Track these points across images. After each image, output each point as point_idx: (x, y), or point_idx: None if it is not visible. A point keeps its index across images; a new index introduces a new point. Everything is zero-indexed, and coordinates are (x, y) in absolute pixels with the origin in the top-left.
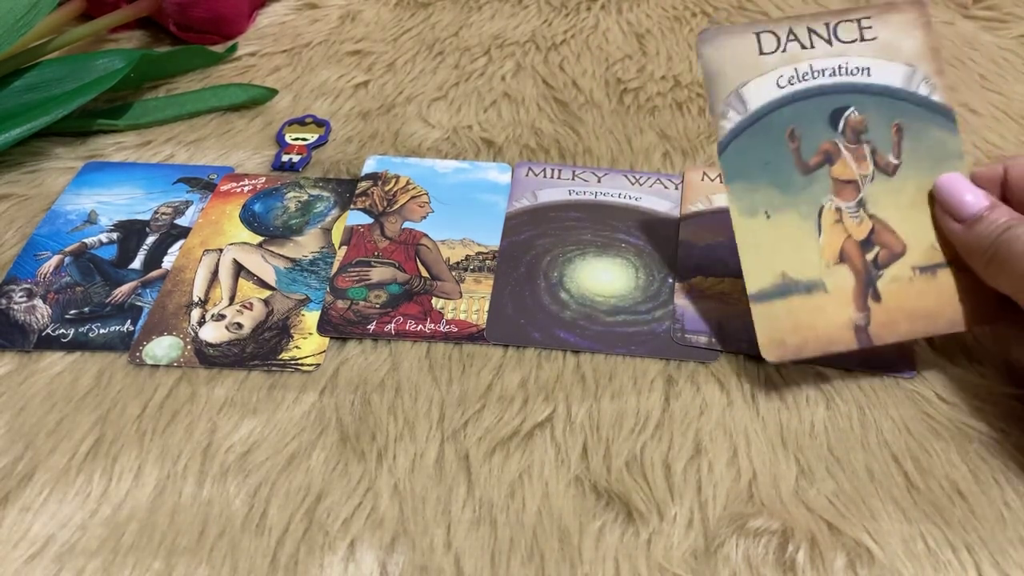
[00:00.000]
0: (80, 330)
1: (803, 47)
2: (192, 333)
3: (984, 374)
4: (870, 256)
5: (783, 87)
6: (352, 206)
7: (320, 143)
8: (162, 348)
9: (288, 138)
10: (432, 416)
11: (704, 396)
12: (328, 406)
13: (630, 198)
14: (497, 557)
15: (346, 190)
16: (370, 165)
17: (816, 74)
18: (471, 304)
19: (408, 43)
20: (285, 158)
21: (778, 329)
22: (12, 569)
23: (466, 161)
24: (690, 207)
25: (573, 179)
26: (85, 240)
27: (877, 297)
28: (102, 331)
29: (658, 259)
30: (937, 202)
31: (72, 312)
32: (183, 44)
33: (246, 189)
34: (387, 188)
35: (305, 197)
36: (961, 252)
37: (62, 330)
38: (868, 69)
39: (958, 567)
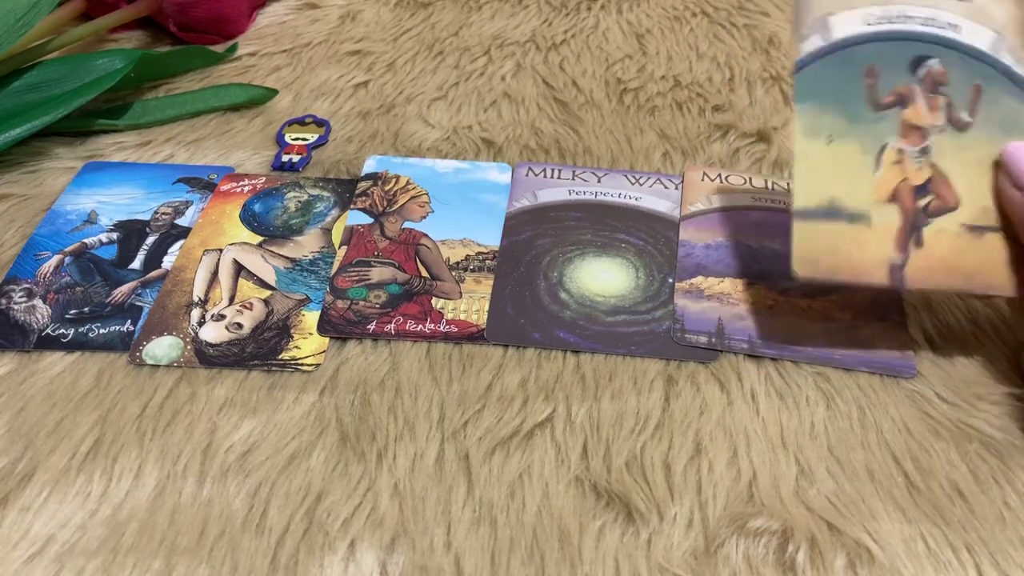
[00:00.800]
0: (80, 330)
1: None
2: (192, 333)
3: (984, 374)
4: (922, 202)
5: (870, 24)
6: (352, 206)
7: (320, 143)
8: (162, 348)
9: (288, 138)
10: (432, 416)
11: (704, 396)
12: (328, 406)
13: (630, 198)
14: (497, 557)
15: (346, 190)
16: (370, 165)
17: (905, 20)
18: (471, 304)
19: (408, 43)
20: (285, 158)
21: (814, 249)
22: (12, 569)
23: (466, 161)
24: (690, 207)
25: (573, 179)
26: (85, 240)
27: (920, 242)
28: (102, 331)
29: (658, 259)
30: (1002, 167)
31: (72, 312)
32: (183, 44)
33: (246, 189)
34: (387, 188)
35: (305, 197)
36: (1015, 220)
37: (62, 330)
38: (958, 26)
39: (958, 567)
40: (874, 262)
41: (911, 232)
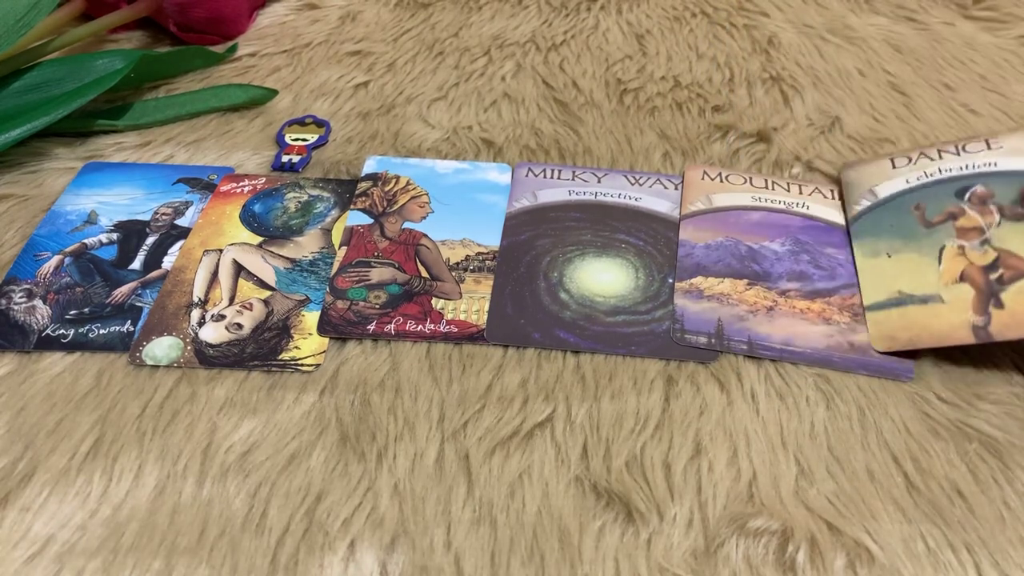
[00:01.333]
0: (80, 330)
1: (931, 160)
2: (192, 333)
3: (984, 374)
4: (994, 276)
5: (911, 183)
6: (352, 206)
7: (320, 143)
8: (162, 348)
9: (288, 138)
10: (432, 416)
11: (704, 396)
12: (328, 406)
13: (630, 198)
14: (497, 557)
15: (346, 190)
16: (370, 165)
17: (943, 172)
18: (471, 304)
19: (408, 43)
20: (285, 158)
21: (891, 328)
22: (12, 569)
23: (466, 161)
24: (690, 207)
25: (573, 179)
26: (85, 240)
27: (1000, 305)
28: (102, 331)
29: (658, 259)
30: None
31: (72, 312)
32: (183, 44)
33: (246, 189)
34: (387, 188)
35: (305, 197)
36: None
37: (62, 330)
38: (995, 163)
39: (958, 567)
40: (955, 326)
41: (988, 299)
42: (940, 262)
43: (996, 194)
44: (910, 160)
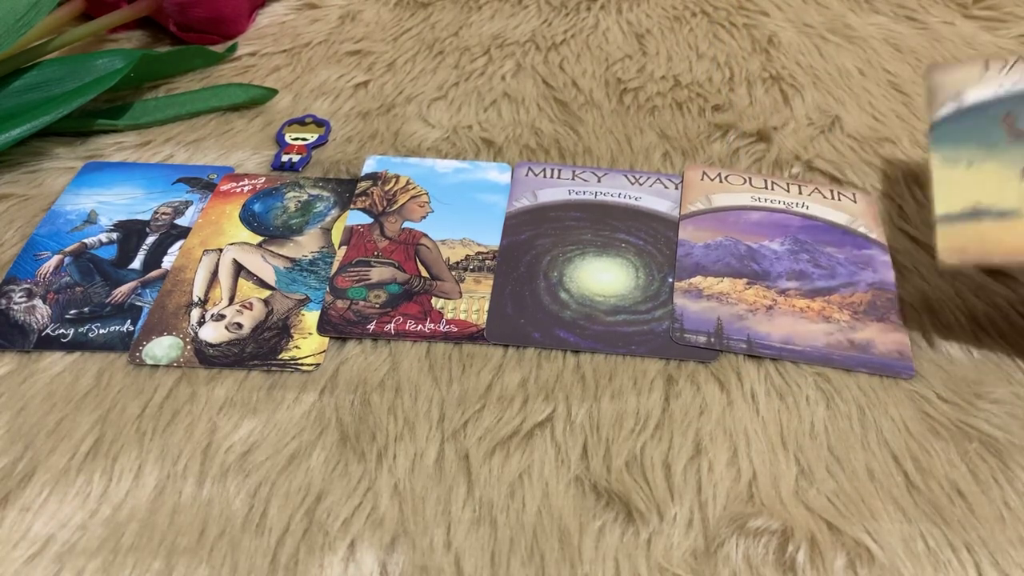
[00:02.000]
0: (80, 330)
1: None
2: (192, 333)
3: (984, 374)
4: None
5: (1003, 90)
6: (352, 206)
7: (320, 143)
8: (162, 348)
9: (288, 138)
10: (432, 416)
11: (704, 396)
12: (328, 406)
13: (630, 198)
14: (497, 557)
15: (346, 190)
16: (370, 165)
17: None
18: (471, 304)
19: (408, 43)
20: (285, 158)
21: (962, 241)
22: (12, 569)
23: (466, 161)
24: (690, 206)
25: (573, 179)
26: (85, 240)
27: None
28: (102, 331)
29: (658, 259)
30: None
31: (72, 312)
32: (183, 44)
33: (246, 189)
34: (387, 188)
35: (305, 197)
36: None
37: (62, 330)
38: None
39: (958, 567)
40: None
41: None
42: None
43: None
44: (1006, 64)
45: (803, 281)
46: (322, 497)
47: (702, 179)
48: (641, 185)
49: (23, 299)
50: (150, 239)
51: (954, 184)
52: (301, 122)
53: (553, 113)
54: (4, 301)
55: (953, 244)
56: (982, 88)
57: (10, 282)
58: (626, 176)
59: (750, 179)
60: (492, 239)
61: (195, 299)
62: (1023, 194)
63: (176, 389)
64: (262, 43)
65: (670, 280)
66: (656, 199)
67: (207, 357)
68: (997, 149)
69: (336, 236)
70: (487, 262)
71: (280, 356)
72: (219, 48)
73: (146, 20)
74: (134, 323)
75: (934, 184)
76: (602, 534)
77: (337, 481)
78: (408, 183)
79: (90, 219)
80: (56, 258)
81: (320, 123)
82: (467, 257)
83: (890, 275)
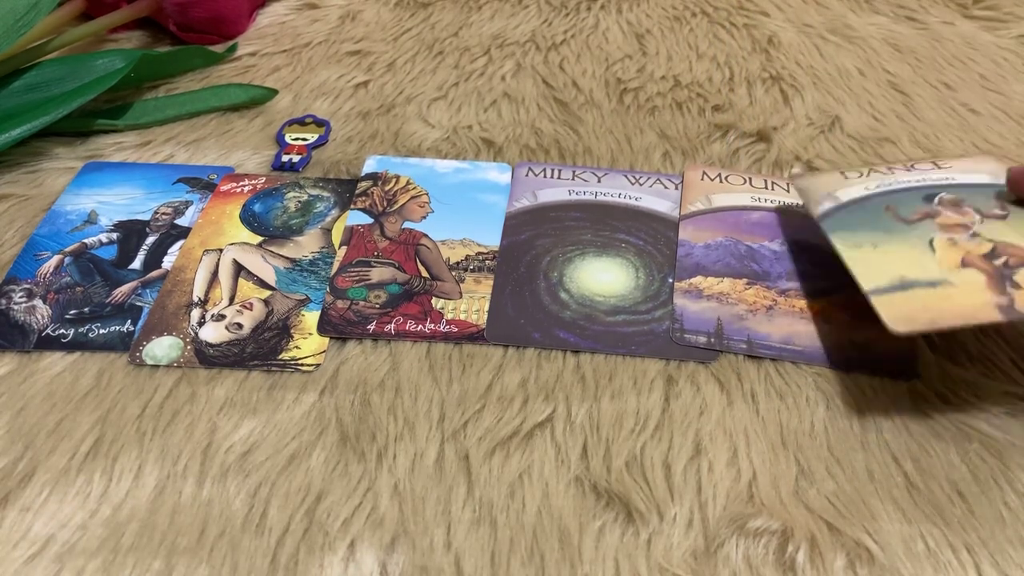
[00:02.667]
0: (80, 330)
1: (883, 174)
2: (192, 333)
3: (984, 374)
4: (998, 262)
5: (871, 190)
6: (352, 206)
7: (320, 143)
8: (162, 348)
9: (288, 138)
10: (432, 416)
11: (704, 396)
12: (328, 406)
13: (630, 198)
14: (497, 557)
15: (346, 190)
16: (370, 165)
17: (901, 183)
18: (471, 304)
19: (408, 43)
20: (285, 158)
21: (906, 309)
22: (12, 569)
23: (466, 161)
24: (689, 207)
25: (573, 179)
26: (85, 240)
27: (1017, 286)
28: (102, 331)
29: (658, 259)
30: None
31: (72, 312)
32: (183, 44)
33: (246, 189)
34: (387, 188)
35: (305, 197)
36: None
37: (62, 330)
38: (952, 178)
39: (958, 567)
40: (978, 306)
41: (1003, 281)
42: (934, 252)
43: (966, 199)
44: (862, 174)
45: (803, 281)
46: (322, 497)
47: (702, 179)
48: (641, 185)
49: (23, 299)
50: (150, 239)
51: (870, 263)
52: (301, 122)
53: (553, 113)
54: (4, 301)
55: (898, 313)
56: (851, 188)
57: (10, 282)
58: (626, 176)
59: (750, 179)
60: (492, 239)
61: (195, 299)
62: (942, 264)
63: (176, 389)
64: (262, 43)
65: (670, 280)
66: (656, 199)
67: (207, 357)
68: (895, 232)
69: (336, 236)
70: (487, 262)
71: (280, 356)
72: (219, 48)
73: (146, 20)
74: (134, 323)
75: (848, 264)
76: (602, 534)
77: (337, 481)
78: (408, 183)
79: (90, 219)
80: (56, 258)
81: (320, 123)
82: (467, 257)
83: None
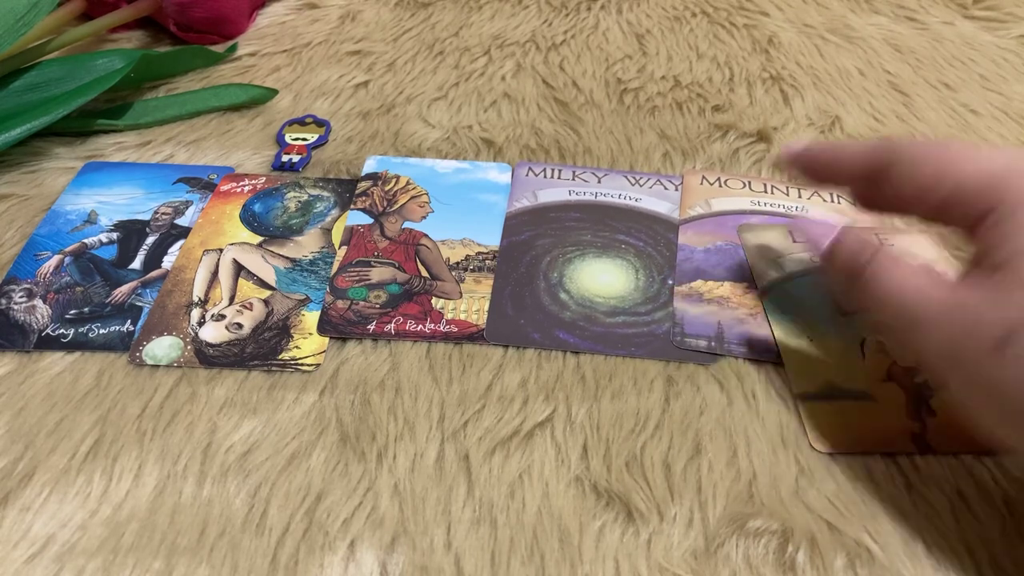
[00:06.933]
0: (80, 330)
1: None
2: (192, 333)
3: None
4: (919, 379)
5: (816, 261)
6: (352, 206)
7: (320, 143)
8: (162, 348)
9: (288, 138)
10: (432, 416)
11: (704, 396)
12: (328, 406)
13: (630, 199)
14: (497, 557)
15: (346, 190)
16: (370, 165)
17: None
18: (471, 304)
19: (408, 43)
20: (285, 158)
21: (828, 426)
22: (12, 569)
23: (466, 161)
24: (689, 211)
25: (573, 179)
26: (85, 240)
27: (931, 413)
28: (102, 331)
29: (658, 260)
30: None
31: (72, 312)
32: (183, 44)
33: (246, 189)
34: (387, 188)
35: (305, 197)
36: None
37: (62, 330)
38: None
39: (958, 567)
40: (894, 433)
41: (919, 405)
42: (864, 355)
43: None
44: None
45: None
46: (322, 497)
47: (701, 183)
48: (641, 186)
49: (23, 299)
50: (150, 239)
51: (803, 361)
52: (301, 122)
53: (553, 113)
54: (4, 301)
55: (820, 429)
56: (798, 255)
57: (10, 282)
58: (626, 177)
59: (749, 183)
60: (492, 239)
61: (195, 299)
62: (870, 373)
63: (176, 389)
64: (262, 43)
65: (670, 282)
66: (656, 200)
67: (207, 357)
68: (833, 323)
69: (336, 236)
70: (487, 262)
71: (280, 356)
72: (219, 48)
73: (146, 20)
74: (134, 323)
75: (784, 358)
76: (602, 534)
77: (337, 481)
78: (408, 183)
79: (90, 219)
80: (56, 258)
81: (320, 123)
82: (467, 257)
83: None
